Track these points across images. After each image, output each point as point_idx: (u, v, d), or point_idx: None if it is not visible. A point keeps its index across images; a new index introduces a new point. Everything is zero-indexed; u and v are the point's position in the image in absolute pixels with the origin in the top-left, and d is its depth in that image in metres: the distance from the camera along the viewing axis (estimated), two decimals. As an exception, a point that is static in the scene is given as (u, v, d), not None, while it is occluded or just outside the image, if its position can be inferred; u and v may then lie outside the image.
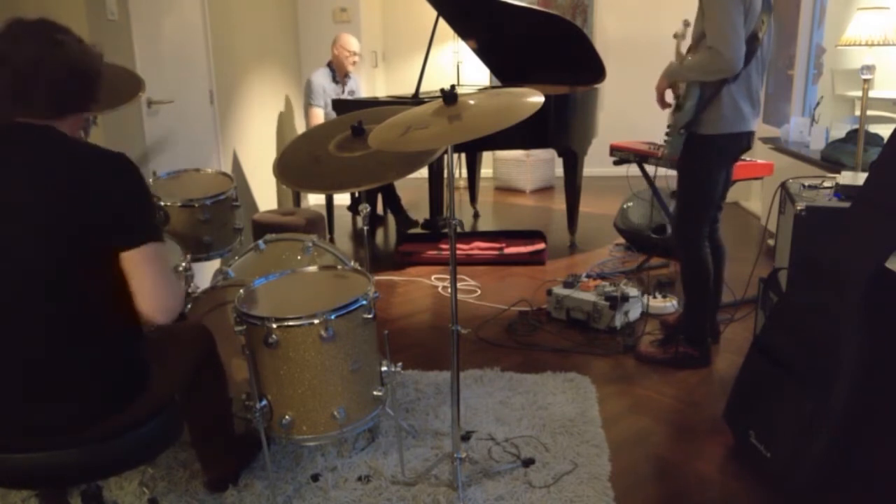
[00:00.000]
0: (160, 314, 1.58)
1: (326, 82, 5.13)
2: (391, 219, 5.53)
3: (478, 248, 4.55)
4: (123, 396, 1.62)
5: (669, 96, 2.84)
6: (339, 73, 5.21)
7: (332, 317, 1.95)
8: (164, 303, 1.59)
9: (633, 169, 4.00)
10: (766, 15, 2.66)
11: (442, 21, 4.83)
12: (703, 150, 2.75)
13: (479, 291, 3.95)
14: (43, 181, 1.49)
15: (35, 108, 1.53)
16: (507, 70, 5.26)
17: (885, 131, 3.60)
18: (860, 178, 2.66)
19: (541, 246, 4.52)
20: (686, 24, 2.86)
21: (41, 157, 1.51)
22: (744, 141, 2.78)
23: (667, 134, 2.83)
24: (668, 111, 2.91)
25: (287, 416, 1.98)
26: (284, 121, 5.75)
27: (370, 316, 2.04)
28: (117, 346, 1.62)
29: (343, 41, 5.15)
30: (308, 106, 5.14)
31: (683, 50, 2.86)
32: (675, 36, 2.84)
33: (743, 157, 3.68)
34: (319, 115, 5.07)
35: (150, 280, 1.56)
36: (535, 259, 4.44)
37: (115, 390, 1.60)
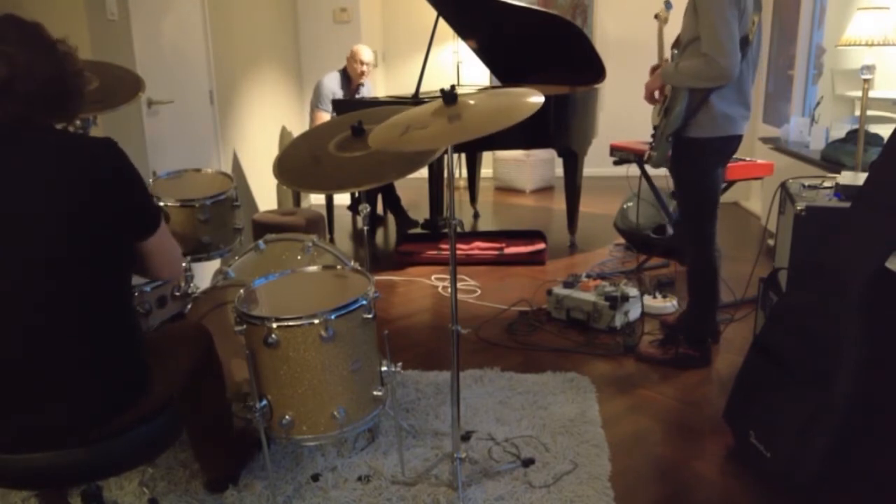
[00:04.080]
0: (175, 276, 1.91)
1: (338, 88, 5.12)
2: (391, 219, 5.53)
3: (478, 248, 4.55)
4: (124, 399, 1.61)
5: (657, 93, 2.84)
6: (351, 84, 5.20)
7: (332, 317, 1.95)
8: (179, 267, 1.86)
9: (633, 169, 4.00)
10: (756, 15, 2.64)
11: (442, 21, 4.83)
12: (694, 153, 2.73)
13: (479, 291, 3.95)
14: (35, 179, 1.49)
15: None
16: (506, 70, 5.26)
17: (885, 131, 3.60)
18: (860, 178, 2.66)
19: (541, 246, 4.52)
20: (668, 5, 2.83)
21: (32, 156, 1.50)
22: (733, 144, 2.77)
23: (652, 136, 2.83)
24: (650, 109, 2.90)
25: (287, 416, 1.98)
26: (284, 121, 5.76)
27: (370, 316, 2.04)
28: (119, 349, 1.62)
29: (354, 50, 5.13)
30: (315, 108, 5.13)
31: (665, 33, 2.84)
32: (657, 17, 2.83)
33: (743, 157, 3.70)
34: (324, 119, 5.06)
35: (168, 255, 1.75)
36: (535, 259, 4.44)
37: (116, 393, 1.60)
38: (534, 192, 6.76)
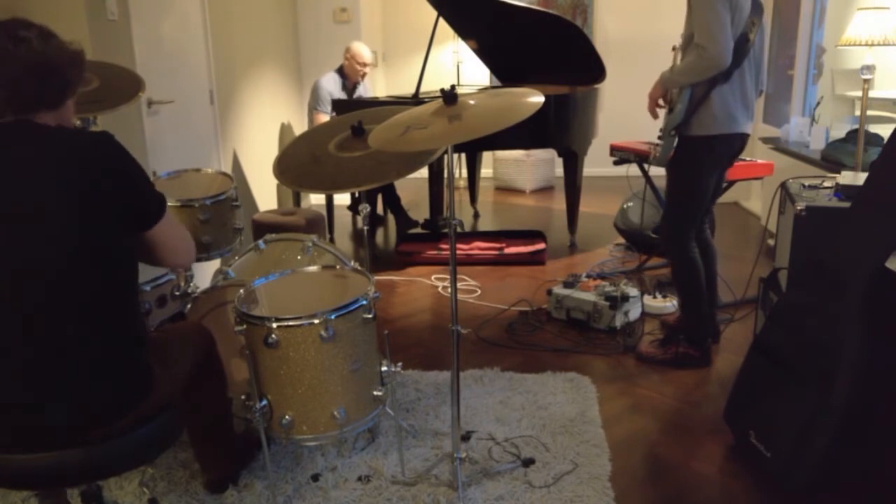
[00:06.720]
0: (188, 262, 1.84)
1: (335, 88, 5.11)
2: (391, 219, 5.53)
3: (478, 248, 4.55)
4: (127, 402, 1.61)
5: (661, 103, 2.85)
6: (349, 81, 5.20)
7: (333, 317, 1.95)
8: (190, 254, 1.82)
9: (633, 169, 4.00)
10: (757, 17, 2.66)
11: (442, 21, 4.82)
12: (694, 151, 2.75)
13: (479, 291, 3.95)
14: (36, 178, 1.48)
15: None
16: (507, 70, 5.26)
17: (885, 131, 3.60)
18: (860, 178, 2.66)
19: (541, 246, 4.52)
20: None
21: (32, 154, 1.50)
22: (736, 143, 2.78)
23: (659, 138, 2.84)
24: (663, 113, 2.91)
25: (287, 416, 1.98)
26: (284, 121, 5.76)
27: (370, 316, 2.04)
28: (122, 351, 1.61)
29: (354, 51, 5.10)
30: (314, 111, 5.13)
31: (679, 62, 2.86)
32: (674, 49, 2.84)
33: (743, 157, 3.70)
34: (324, 121, 5.05)
35: (177, 241, 1.75)
36: (535, 259, 4.44)
37: (119, 395, 1.60)
38: (534, 192, 6.76)
